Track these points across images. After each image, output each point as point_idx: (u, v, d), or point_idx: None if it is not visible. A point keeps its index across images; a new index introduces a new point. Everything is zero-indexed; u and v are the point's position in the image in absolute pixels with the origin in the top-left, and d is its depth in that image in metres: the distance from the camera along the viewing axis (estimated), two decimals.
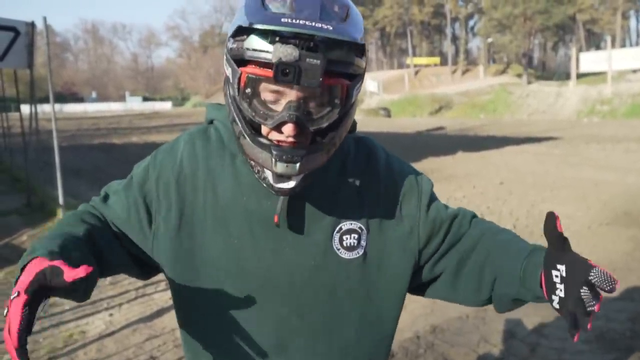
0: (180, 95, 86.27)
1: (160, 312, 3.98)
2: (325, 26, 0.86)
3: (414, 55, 67.55)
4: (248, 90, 0.93)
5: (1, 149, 12.93)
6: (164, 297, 4.25)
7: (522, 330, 3.64)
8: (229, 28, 0.96)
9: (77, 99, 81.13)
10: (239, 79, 0.92)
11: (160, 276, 1.19)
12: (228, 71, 0.96)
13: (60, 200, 6.76)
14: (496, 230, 1.13)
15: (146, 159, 1.14)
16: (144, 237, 1.10)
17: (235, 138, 1.00)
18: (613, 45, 39.55)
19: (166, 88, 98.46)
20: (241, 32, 0.91)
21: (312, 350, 1.10)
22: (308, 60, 0.85)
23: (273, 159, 0.92)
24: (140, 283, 4.47)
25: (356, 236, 1.08)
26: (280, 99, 0.93)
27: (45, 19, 6.62)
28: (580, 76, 37.94)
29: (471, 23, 73.00)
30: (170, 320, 3.78)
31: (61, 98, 68.92)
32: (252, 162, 0.99)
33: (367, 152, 1.14)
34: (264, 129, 0.96)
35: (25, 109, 10.59)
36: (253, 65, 0.91)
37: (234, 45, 0.92)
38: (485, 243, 1.11)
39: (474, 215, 1.17)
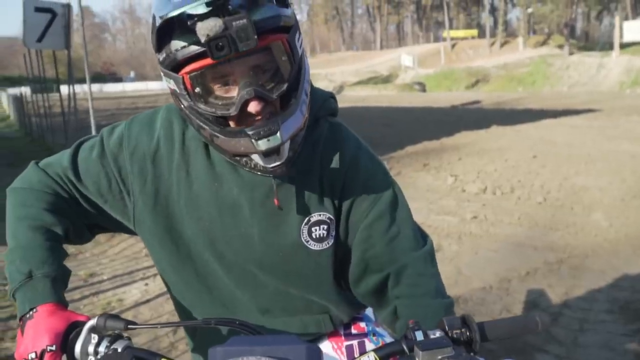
0: None
1: None
2: None
3: (451, 28, 65.98)
4: (198, 90, 0.91)
5: (43, 128, 13.44)
6: None
7: (545, 300, 3.66)
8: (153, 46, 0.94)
9: (116, 78, 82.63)
10: (184, 83, 0.91)
11: None
12: (171, 84, 0.93)
13: None
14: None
15: (120, 125, 1.12)
16: (123, 206, 1.11)
17: (210, 143, 0.99)
18: None
19: None
20: (162, 40, 0.90)
21: (293, 310, 1.15)
22: (235, 24, 0.82)
23: (253, 140, 0.90)
24: None
25: (325, 227, 1.08)
26: (232, 85, 0.92)
27: (79, 0, 6.81)
28: (624, 46, 36.37)
29: None
30: None
31: (100, 78, 70.44)
32: (237, 157, 0.96)
33: (337, 141, 1.11)
34: (231, 123, 0.96)
35: (65, 89, 10.91)
36: (189, 65, 0.89)
37: (163, 56, 0.91)
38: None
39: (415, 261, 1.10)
